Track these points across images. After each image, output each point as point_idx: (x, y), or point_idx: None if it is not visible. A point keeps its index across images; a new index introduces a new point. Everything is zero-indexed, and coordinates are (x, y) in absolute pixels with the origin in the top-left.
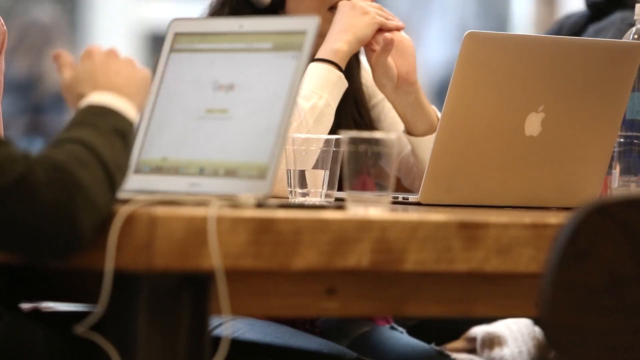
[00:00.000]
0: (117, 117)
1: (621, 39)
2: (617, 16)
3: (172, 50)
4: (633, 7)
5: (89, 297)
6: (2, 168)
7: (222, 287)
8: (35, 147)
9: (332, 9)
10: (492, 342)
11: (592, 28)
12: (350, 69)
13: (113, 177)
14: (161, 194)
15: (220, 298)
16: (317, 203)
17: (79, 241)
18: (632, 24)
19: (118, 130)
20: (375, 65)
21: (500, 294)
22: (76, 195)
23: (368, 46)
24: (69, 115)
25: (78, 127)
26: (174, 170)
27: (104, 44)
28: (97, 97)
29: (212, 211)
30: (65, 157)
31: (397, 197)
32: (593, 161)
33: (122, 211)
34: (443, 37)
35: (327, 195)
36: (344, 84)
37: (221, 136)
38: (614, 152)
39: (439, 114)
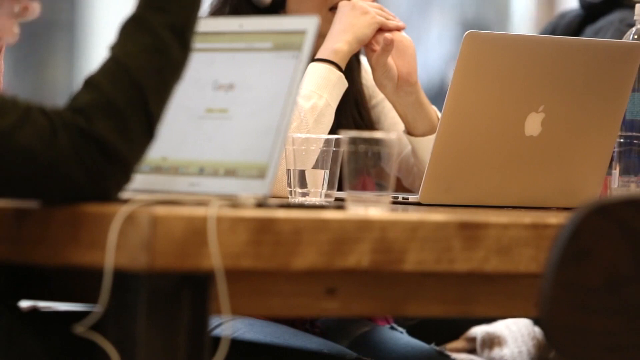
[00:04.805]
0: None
1: (621, 39)
2: (615, 16)
3: None
4: (631, 7)
5: (89, 296)
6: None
7: (222, 287)
8: None
9: (333, 9)
10: (492, 342)
11: (589, 29)
12: (351, 70)
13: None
14: (161, 193)
15: (220, 298)
16: (317, 203)
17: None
18: (632, 24)
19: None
20: (375, 66)
21: (500, 294)
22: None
23: (368, 46)
24: None
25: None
26: (174, 170)
27: (103, 42)
28: None
29: (212, 211)
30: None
31: (397, 197)
32: (593, 161)
33: (122, 211)
34: (443, 37)
35: (327, 195)
36: (344, 84)
37: (221, 136)
38: (614, 152)
39: (439, 114)
